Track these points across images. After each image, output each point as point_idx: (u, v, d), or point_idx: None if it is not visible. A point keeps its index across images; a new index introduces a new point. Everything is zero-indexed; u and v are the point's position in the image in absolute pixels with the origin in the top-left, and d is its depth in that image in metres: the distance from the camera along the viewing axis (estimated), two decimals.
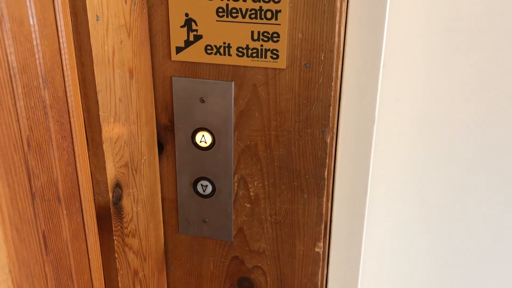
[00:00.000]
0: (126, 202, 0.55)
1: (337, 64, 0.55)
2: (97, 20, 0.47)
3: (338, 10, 0.52)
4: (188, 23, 0.55)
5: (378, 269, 0.75)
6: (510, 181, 0.66)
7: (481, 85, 0.63)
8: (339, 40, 0.54)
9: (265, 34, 0.54)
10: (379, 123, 0.67)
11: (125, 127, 0.53)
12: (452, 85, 0.64)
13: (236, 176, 0.61)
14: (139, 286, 0.60)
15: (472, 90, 0.64)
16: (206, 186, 0.62)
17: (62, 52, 0.44)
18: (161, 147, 0.62)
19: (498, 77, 0.62)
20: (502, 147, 0.65)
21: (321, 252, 0.62)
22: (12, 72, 0.38)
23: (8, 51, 0.38)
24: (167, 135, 0.61)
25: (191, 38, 0.56)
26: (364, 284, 0.75)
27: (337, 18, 0.52)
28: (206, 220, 0.64)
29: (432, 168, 0.68)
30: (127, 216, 0.55)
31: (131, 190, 0.56)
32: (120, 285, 0.55)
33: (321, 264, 0.63)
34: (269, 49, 0.55)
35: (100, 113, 0.49)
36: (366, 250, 0.72)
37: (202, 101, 0.58)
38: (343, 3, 0.53)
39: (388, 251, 0.74)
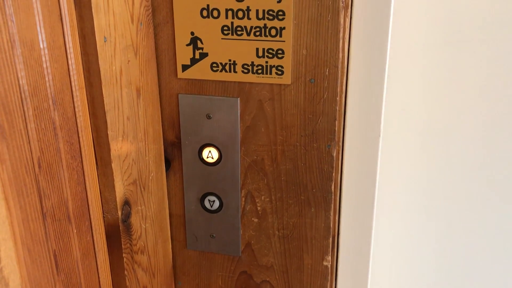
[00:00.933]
0: (134, 219, 0.55)
1: (342, 78, 0.55)
2: (104, 41, 0.47)
3: (341, 26, 0.52)
4: (194, 41, 0.56)
5: (386, 281, 0.75)
6: None
7: (486, 95, 0.63)
8: (343, 56, 0.54)
9: (270, 51, 0.55)
10: (385, 134, 0.67)
11: (133, 145, 0.54)
12: (456, 95, 0.64)
13: (243, 191, 0.61)
14: None
15: (477, 99, 0.64)
16: (214, 201, 0.63)
17: (71, 73, 0.45)
18: (168, 163, 0.62)
19: (503, 86, 0.63)
20: (510, 156, 0.65)
21: (329, 266, 0.62)
22: (23, 96, 0.39)
23: (19, 75, 0.38)
24: (174, 152, 0.62)
25: (197, 56, 0.57)
26: None
27: (341, 34, 0.53)
28: (214, 235, 0.64)
29: (439, 178, 0.69)
30: (136, 233, 0.56)
31: (139, 207, 0.56)
32: None
33: (329, 277, 0.63)
34: (274, 66, 0.55)
35: (109, 132, 0.49)
36: (374, 262, 0.72)
37: (209, 117, 0.59)
38: (347, 19, 0.53)
39: (396, 263, 0.74)
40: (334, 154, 0.58)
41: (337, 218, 0.62)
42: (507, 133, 0.64)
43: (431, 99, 0.65)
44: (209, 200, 0.63)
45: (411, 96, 0.66)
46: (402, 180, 0.70)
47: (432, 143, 0.67)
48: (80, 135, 0.47)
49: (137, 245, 0.56)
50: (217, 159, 0.60)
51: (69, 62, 0.45)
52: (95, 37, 0.46)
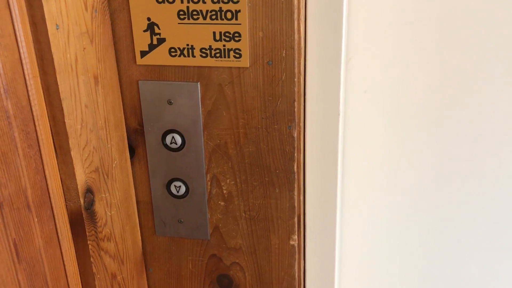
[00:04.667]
0: (98, 207, 0.55)
1: (299, 60, 0.56)
2: (57, 28, 0.47)
3: (295, 7, 0.53)
4: (151, 27, 0.56)
5: (355, 258, 0.77)
6: (481, 169, 0.68)
7: (450, 75, 0.65)
8: (299, 37, 0.55)
9: (227, 34, 0.55)
10: (349, 116, 0.68)
11: (93, 133, 0.54)
12: (419, 75, 0.66)
13: (208, 175, 0.62)
14: None
15: (441, 80, 0.65)
16: (180, 186, 0.63)
17: (23, 62, 0.45)
18: (132, 150, 0.62)
19: (467, 66, 0.64)
20: (473, 137, 0.67)
21: (296, 245, 0.63)
22: None
23: None
24: (137, 139, 0.62)
25: (155, 42, 0.57)
26: (343, 273, 0.76)
27: (295, 15, 0.54)
28: (182, 220, 0.65)
29: (403, 158, 0.70)
30: (100, 221, 0.56)
31: (103, 195, 0.56)
32: None
33: (297, 256, 0.64)
34: (231, 49, 0.56)
35: (66, 120, 0.49)
36: (342, 240, 0.74)
37: (170, 103, 0.59)
38: (301, 0, 0.54)
39: (364, 240, 0.75)
40: (295, 135, 0.58)
41: (301, 197, 0.63)
42: (469, 112, 0.66)
43: (395, 80, 0.66)
44: (175, 186, 0.63)
45: (374, 77, 0.67)
46: (367, 159, 0.71)
47: (396, 123, 0.69)
48: (36, 124, 0.47)
49: (103, 232, 0.56)
50: (181, 144, 0.61)
51: (21, 50, 0.45)
52: (46, 24, 0.46)
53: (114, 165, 0.58)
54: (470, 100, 0.65)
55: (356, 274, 0.77)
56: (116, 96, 0.58)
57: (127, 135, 0.61)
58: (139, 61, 0.58)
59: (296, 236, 0.63)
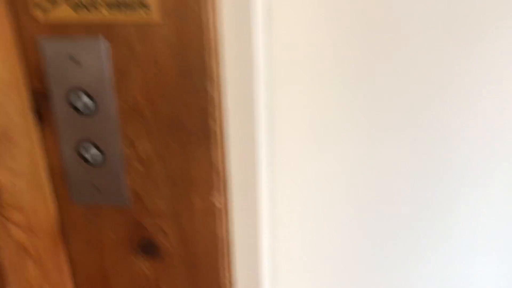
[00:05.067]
0: (1, 175, 0.51)
1: (214, 13, 0.54)
2: None
3: None
4: None
5: (288, 219, 0.78)
6: (417, 123, 0.69)
7: (381, 30, 0.65)
8: None
9: None
10: (275, 70, 0.67)
11: None
12: (349, 26, 0.65)
13: (123, 138, 0.59)
14: (32, 262, 0.57)
15: (372, 34, 0.65)
16: (94, 152, 0.60)
17: None
18: (38, 114, 0.58)
19: (397, 30, 0.64)
20: (414, 106, 0.68)
21: (219, 205, 0.63)
22: None
23: None
24: (43, 102, 0.58)
25: None
26: (275, 232, 0.77)
27: None
28: (99, 187, 0.62)
29: (335, 113, 0.70)
30: (4, 190, 0.52)
31: (6, 162, 0.52)
32: (6, 263, 0.53)
33: (220, 216, 0.64)
34: (139, 2, 0.53)
35: None
36: (275, 200, 0.74)
37: (76, 62, 0.55)
38: None
39: (299, 200, 0.76)
40: (212, 91, 0.57)
41: (222, 156, 0.62)
42: (402, 63, 0.66)
43: (321, 33, 0.65)
44: (88, 151, 0.60)
45: (299, 28, 0.66)
46: (298, 115, 0.71)
47: (326, 77, 0.68)
48: None
49: (8, 202, 0.53)
50: (92, 107, 0.58)
51: None
52: None
53: (17, 130, 0.54)
54: (403, 53, 0.66)
55: (288, 233, 0.78)
56: (14, 55, 0.54)
57: (30, 98, 0.57)
58: (40, 17, 0.53)
59: (218, 196, 0.62)
